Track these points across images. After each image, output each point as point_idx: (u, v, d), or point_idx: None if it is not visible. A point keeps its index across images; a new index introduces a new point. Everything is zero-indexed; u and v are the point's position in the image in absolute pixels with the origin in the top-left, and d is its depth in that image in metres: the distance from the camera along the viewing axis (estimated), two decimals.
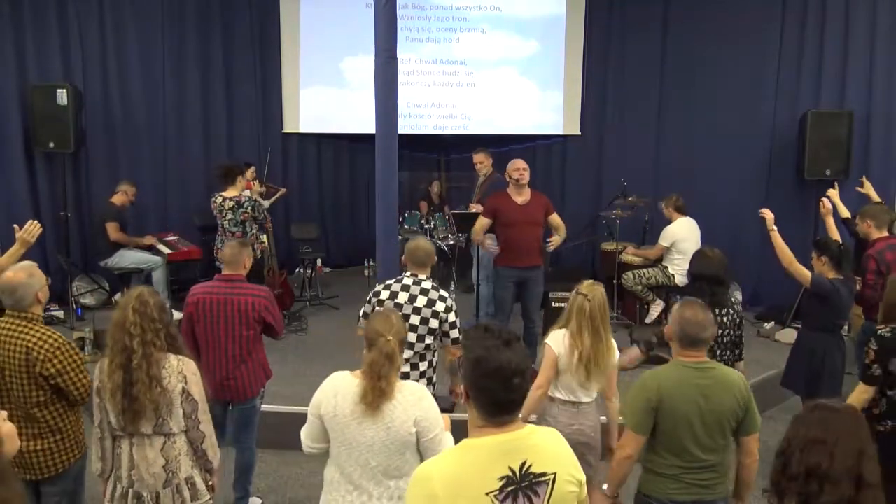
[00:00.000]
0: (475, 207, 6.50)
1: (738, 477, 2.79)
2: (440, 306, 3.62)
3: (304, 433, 2.66)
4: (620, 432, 3.46)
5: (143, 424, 2.69)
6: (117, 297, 7.10)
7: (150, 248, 7.02)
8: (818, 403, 2.02)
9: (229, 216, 5.84)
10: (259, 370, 3.82)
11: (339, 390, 2.54)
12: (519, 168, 5.28)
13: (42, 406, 2.95)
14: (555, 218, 5.44)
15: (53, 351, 2.89)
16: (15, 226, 3.58)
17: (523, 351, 1.83)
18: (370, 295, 3.81)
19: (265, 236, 6.52)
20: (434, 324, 3.62)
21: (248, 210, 5.84)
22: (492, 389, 1.77)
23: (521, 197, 5.28)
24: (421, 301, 3.63)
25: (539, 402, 3.34)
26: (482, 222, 5.38)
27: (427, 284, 3.69)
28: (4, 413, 1.96)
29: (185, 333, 3.71)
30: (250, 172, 7.35)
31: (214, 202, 5.92)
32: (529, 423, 1.94)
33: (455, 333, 3.67)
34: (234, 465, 3.97)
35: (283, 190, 7.89)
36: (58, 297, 6.90)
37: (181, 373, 2.75)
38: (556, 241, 5.47)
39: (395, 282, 3.77)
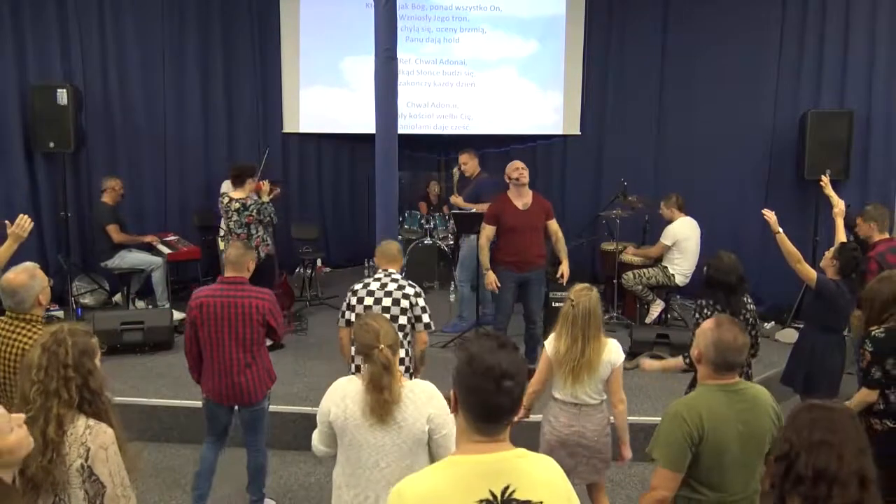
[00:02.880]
0: (456, 199, 6.57)
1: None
2: (409, 290, 3.94)
3: (316, 438, 2.72)
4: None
5: (43, 497, 2.09)
6: (117, 297, 7.12)
7: (151, 248, 7.02)
8: (814, 403, 1.97)
9: (234, 217, 5.89)
10: (264, 374, 3.82)
11: (347, 393, 2.59)
12: (518, 168, 5.21)
13: None
14: (553, 224, 5.33)
15: None
16: (6, 221, 3.56)
17: (519, 357, 1.74)
18: (348, 293, 4.03)
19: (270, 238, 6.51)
20: (405, 304, 3.89)
21: (253, 213, 5.88)
22: (483, 390, 1.66)
23: (522, 200, 5.20)
24: (392, 286, 3.95)
25: (530, 400, 3.47)
26: (487, 232, 5.25)
27: (397, 276, 4.03)
28: (21, 417, 1.87)
29: (188, 339, 3.73)
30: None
31: (221, 202, 6.01)
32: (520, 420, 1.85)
33: (426, 318, 3.93)
34: (245, 468, 3.96)
35: (278, 190, 7.86)
36: (58, 297, 6.91)
37: (84, 444, 2.12)
38: (565, 270, 5.27)
39: (368, 277, 4.09)
